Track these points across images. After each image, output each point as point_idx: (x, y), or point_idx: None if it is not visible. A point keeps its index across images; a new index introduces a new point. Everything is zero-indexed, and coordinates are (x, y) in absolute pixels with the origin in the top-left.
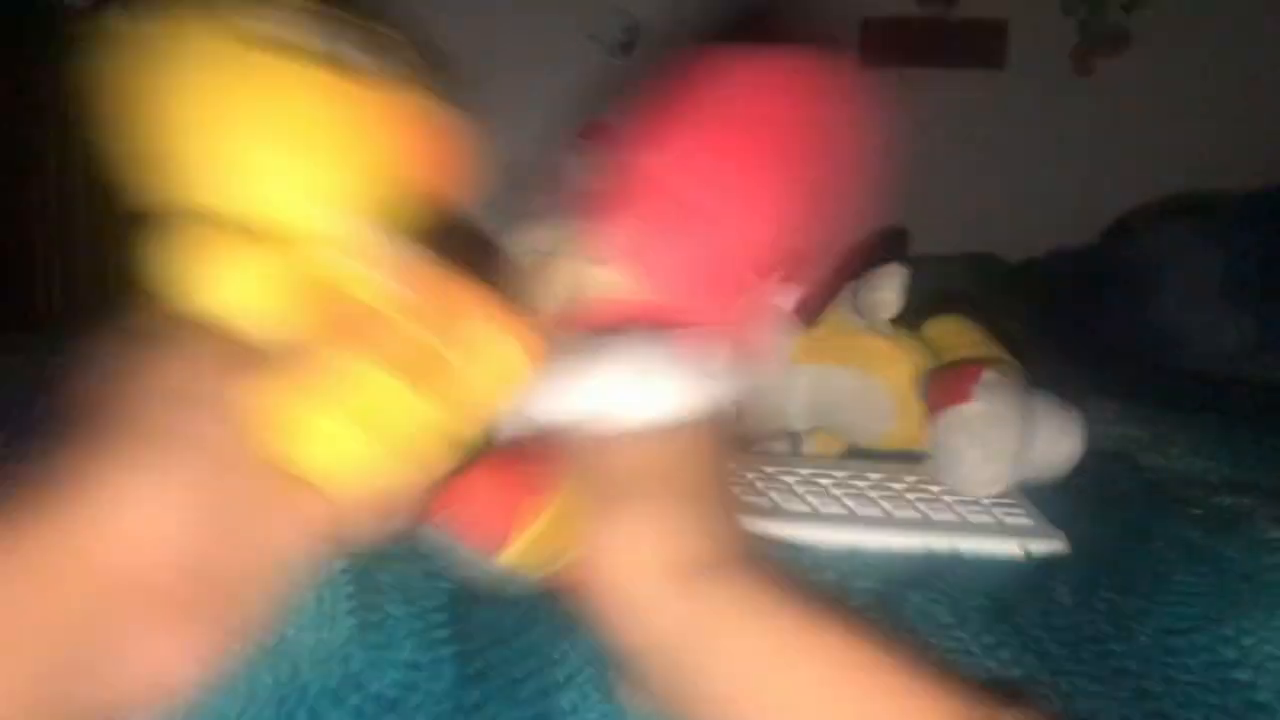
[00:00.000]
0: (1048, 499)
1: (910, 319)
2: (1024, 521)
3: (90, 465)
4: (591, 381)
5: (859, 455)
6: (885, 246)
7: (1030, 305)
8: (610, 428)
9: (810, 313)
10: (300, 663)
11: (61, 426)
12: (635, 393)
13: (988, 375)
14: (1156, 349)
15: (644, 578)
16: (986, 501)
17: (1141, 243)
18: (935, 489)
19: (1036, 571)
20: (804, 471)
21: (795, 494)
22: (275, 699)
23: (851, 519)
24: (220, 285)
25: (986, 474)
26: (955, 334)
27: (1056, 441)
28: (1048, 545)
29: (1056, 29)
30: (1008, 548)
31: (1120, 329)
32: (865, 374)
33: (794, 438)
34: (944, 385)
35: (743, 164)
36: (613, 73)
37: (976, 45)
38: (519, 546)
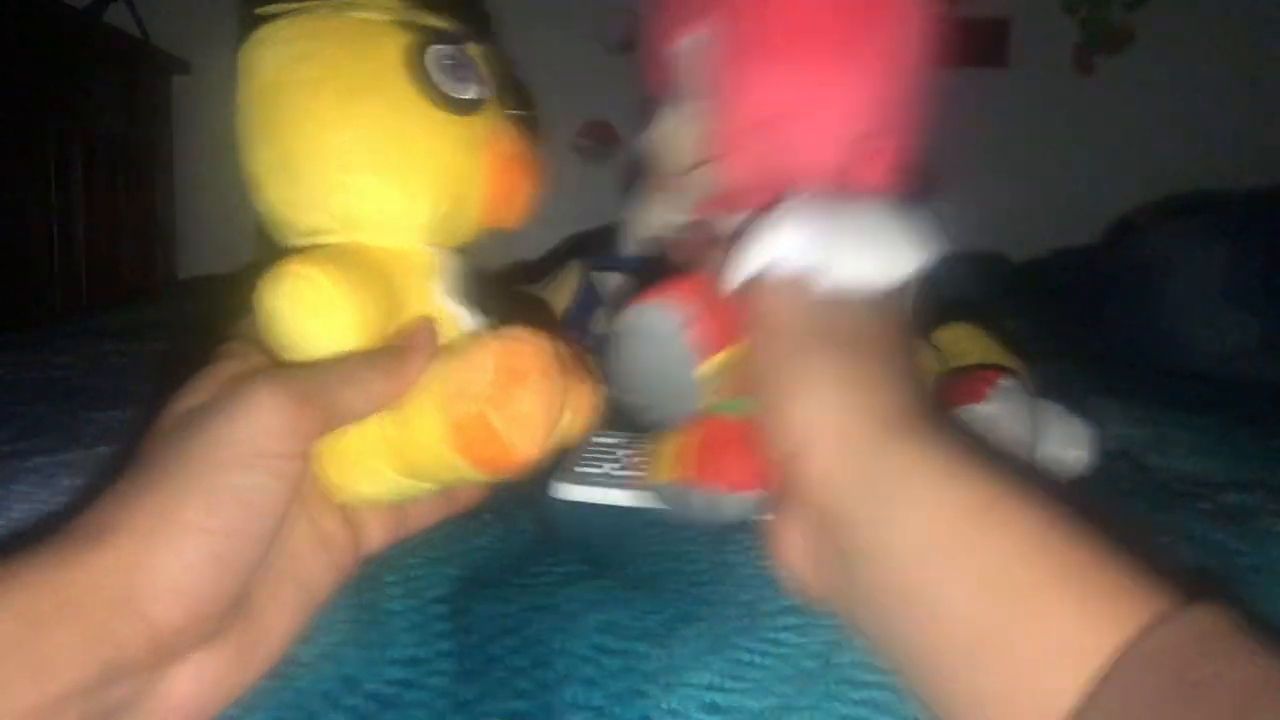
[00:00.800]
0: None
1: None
2: None
3: (137, 512)
4: (827, 237)
5: None
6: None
7: (1033, 305)
8: (833, 283)
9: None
10: (296, 665)
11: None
12: (869, 252)
13: (1004, 381)
14: (1159, 349)
15: (849, 426)
16: None
17: (1144, 242)
18: None
19: None
20: None
21: None
22: (273, 704)
23: None
24: (313, 315)
25: None
26: (968, 340)
27: (1065, 450)
28: None
29: (1059, 28)
30: None
31: (1123, 329)
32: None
33: None
34: (958, 388)
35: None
36: (614, 72)
37: (979, 44)
38: (724, 357)
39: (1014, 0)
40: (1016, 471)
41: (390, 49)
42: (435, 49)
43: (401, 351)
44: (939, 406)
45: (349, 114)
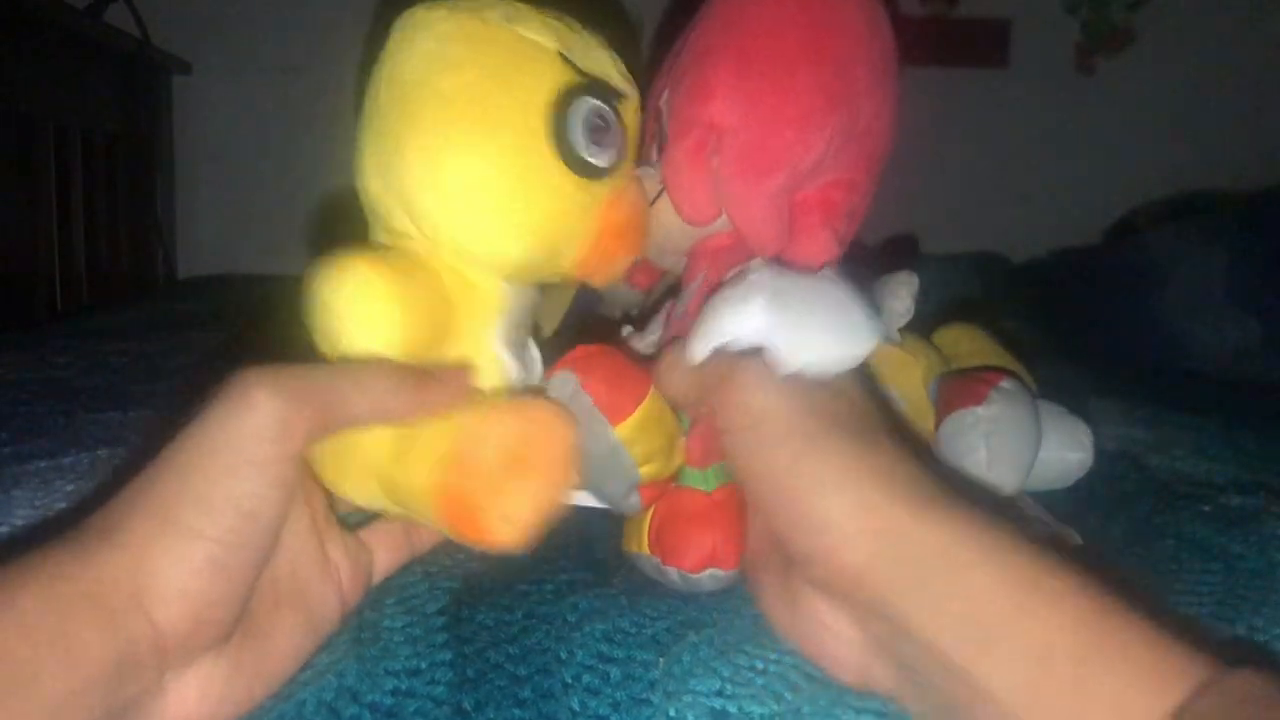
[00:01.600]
0: (1054, 499)
1: (917, 322)
2: (1035, 515)
3: (142, 515)
4: (792, 317)
5: None
6: (896, 253)
7: (1033, 305)
8: (797, 366)
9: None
10: (296, 679)
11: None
12: (832, 334)
13: (1004, 383)
14: (1160, 349)
15: (882, 517)
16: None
17: (1145, 243)
18: None
19: None
20: None
21: None
22: (274, 716)
23: None
24: (360, 313)
25: (995, 474)
26: (969, 341)
27: (1066, 452)
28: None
29: (1059, 28)
30: None
31: (1124, 329)
32: (877, 382)
33: None
34: (958, 389)
35: (798, 94)
36: None
37: (979, 44)
38: (636, 420)
39: (1014, 0)
40: (1036, 542)
41: (540, 87)
42: (586, 103)
43: (427, 377)
44: (947, 475)
45: (474, 144)
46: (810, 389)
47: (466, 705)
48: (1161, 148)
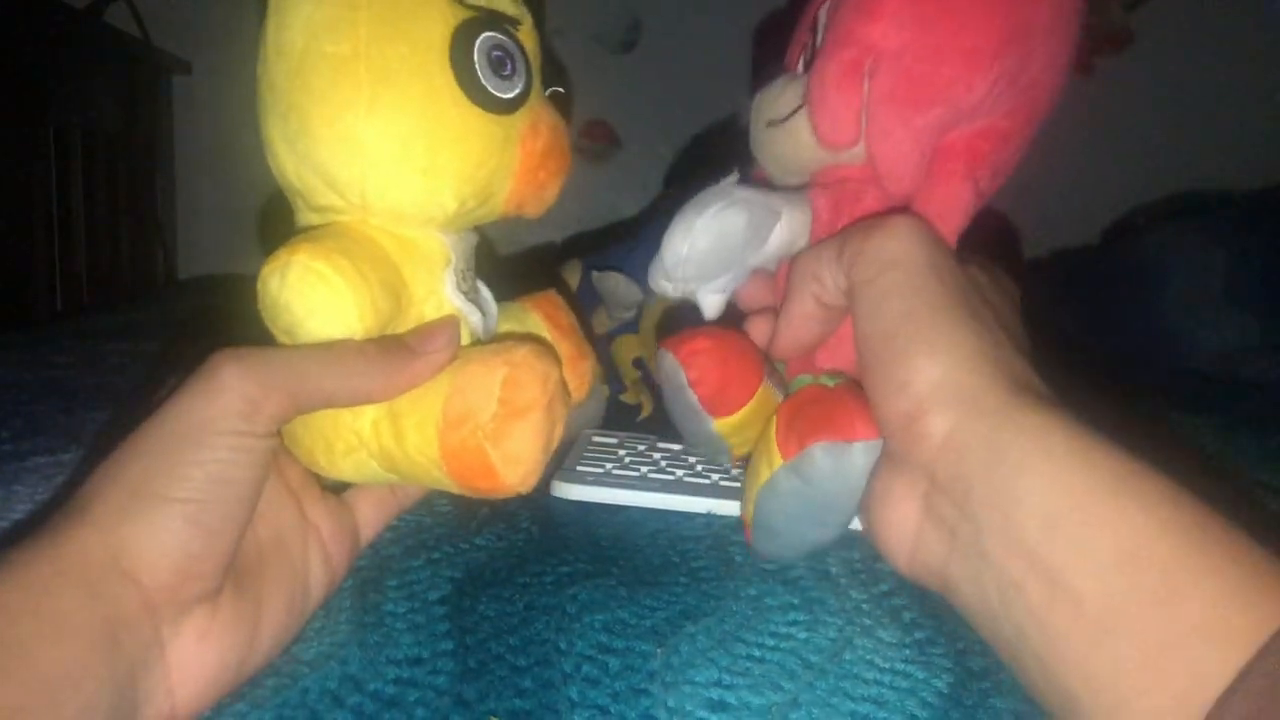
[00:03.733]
0: None
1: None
2: None
3: (113, 489)
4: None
5: None
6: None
7: (1032, 305)
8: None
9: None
10: (300, 664)
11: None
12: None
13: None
14: (1158, 349)
15: (978, 389)
16: None
17: (1144, 243)
18: None
19: None
20: None
21: None
22: (277, 703)
23: None
24: (321, 312)
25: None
26: None
27: None
28: None
29: None
30: None
31: (1122, 329)
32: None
33: None
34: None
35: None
36: (614, 72)
37: None
38: (740, 418)
39: None
40: (1130, 446)
41: (435, 29)
42: (485, 36)
43: (405, 353)
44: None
45: (379, 101)
46: (947, 255)
47: (468, 695)
48: (1160, 148)
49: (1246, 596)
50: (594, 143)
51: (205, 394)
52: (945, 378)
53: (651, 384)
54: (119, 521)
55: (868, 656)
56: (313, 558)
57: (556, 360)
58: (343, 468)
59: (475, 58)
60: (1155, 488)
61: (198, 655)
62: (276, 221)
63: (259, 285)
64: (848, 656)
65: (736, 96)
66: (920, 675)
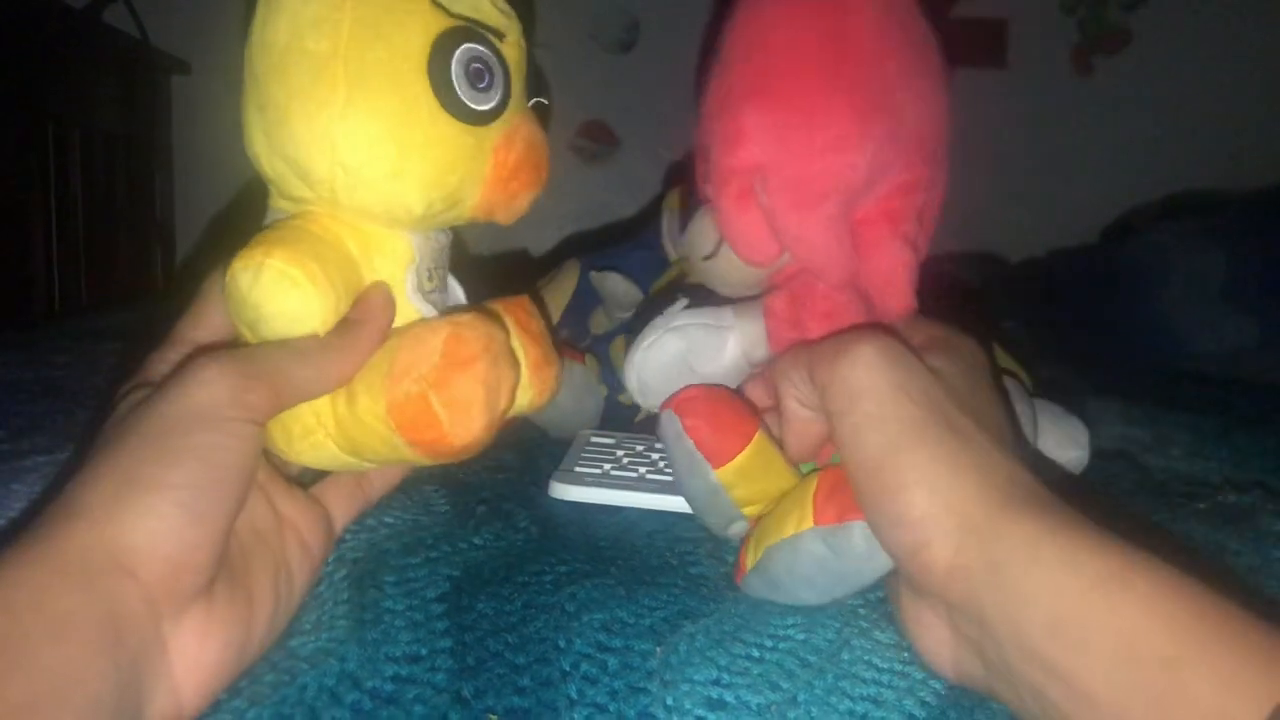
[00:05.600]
0: None
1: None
2: None
3: (103, 482)
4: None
5: None
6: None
7: (1031, 305)
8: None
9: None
10: (298, 661)
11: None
12: None
13: (1002, 383)
14: (1157, 349)
15: (970, 513)
16: None
17: (1142, 243)
18: None
19: None
20: None
21: None
22: (275, 699)
23: None
24: (292, 313)
25: None
26: None
27: (1062, 450)
28: None
29: (1057, 28)
30: None
31: (1121, 329)
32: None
33: None
34: None
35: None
36: (613, 72)
37: (977, 45)
38: (739, 465)
39: (1012, 1)
40: (1130, 539)
41: (415, 37)
42: (465, 48)
43: (355, 326)
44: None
45: (355, 103)
46: (912, 370)
47: (466, 693)
48: (1159, 148)
49: (1245, 679)
50: (592, 143)
51: (193, 384)
52: (935, 506)
53: None
54: (113, 511)
55: (865, 657)
56: (290, 549)
57: (503, 327)
58: (300, 449)
59: (453, 68)
60: (1147, 579)
61: (199, 651)
62: (249, 216)
63: (228, 279)
64: (845, 657)
65: None
66: (918, 676)
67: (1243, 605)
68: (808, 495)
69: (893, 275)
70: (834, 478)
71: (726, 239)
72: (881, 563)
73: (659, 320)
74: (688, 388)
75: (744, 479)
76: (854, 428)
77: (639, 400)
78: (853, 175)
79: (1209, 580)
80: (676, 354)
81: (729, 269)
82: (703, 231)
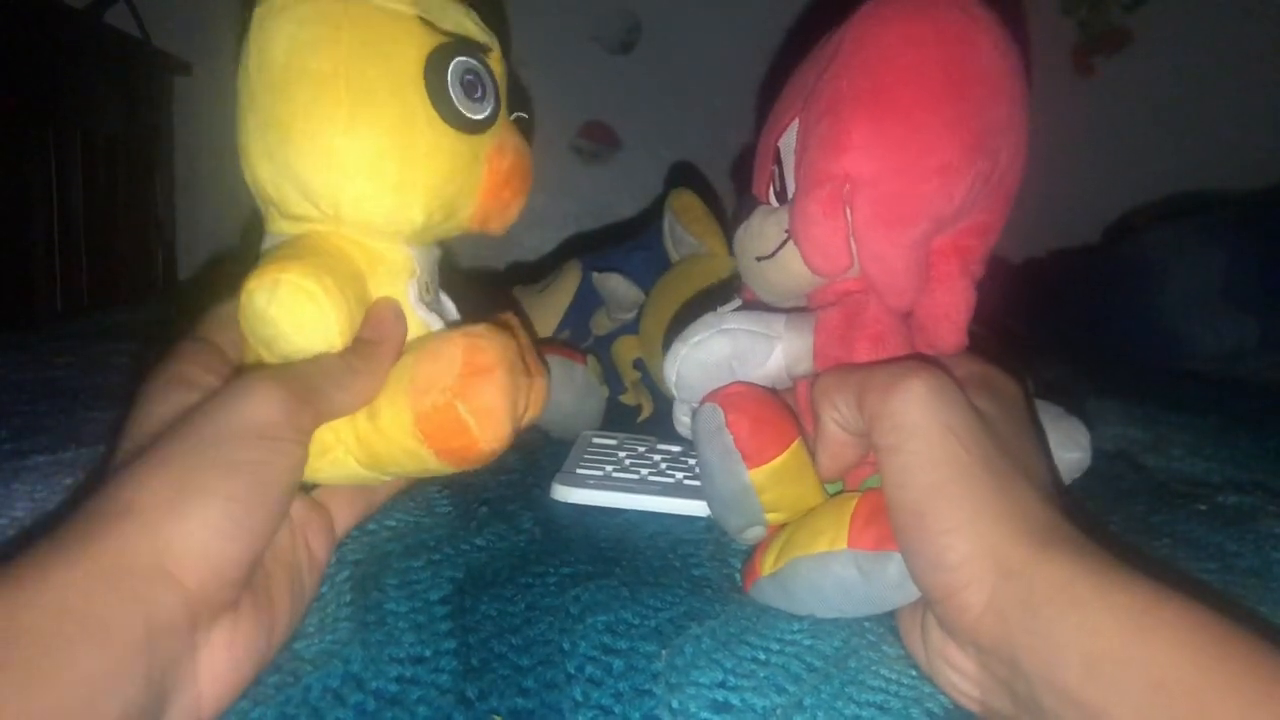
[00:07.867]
0: None
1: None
2: None
3: (157, 486)
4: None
5: None
6: None
7: (1032, 305)
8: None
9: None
10: (302, 662)
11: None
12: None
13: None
14: (1158, 349)
15: (1007, 557)
16: None
17: (1143, 243)
18: None
19: None
20: None
21: None
22: (280, 700)
23: None
24: (308, 328)
25: None
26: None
27: (1063, 453)
28: None
29: (1057, 29)
30: None
31: (1122, 329)
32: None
33: None
34: None
35: (933, 129)
36: (614, 72)
37: None
38: (774, 468)
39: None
40: (1159, 576)
41: (410, 53)
42: (459, 61)
43: (373, 347)
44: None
45: (356, 119)
46: (962, 411)
47: (470, 694)
48: (1159, 148)
49: (1269, 709)
50: (593, 143)
51: (250, 399)
52: (976, 550)
53: (651, 385)
54: (166, 516)
55: (872, 665)
56: (300, 556)
57: (512, 336)
58: (318, 466)
59: (449, 80)
60: (1176, 615)
61: (225, 660)
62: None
63: (243, 298)
64: (853, 663)
65: (738, 101)
66: (928, 690)
67: (1265, 636)
68: (844, 516)
69: (952, 310)
70: (873, 503)
71: (799, 242)
72: (909, 594)
73: (710, 318)
74: (733, 384)
75: (776, 483)
76: (902, 467)
77: (671, 391)
78: (948, 206)
79: (1210, 594)
80: (722, 357)
81: (782, 274)
82: (763, 232)
